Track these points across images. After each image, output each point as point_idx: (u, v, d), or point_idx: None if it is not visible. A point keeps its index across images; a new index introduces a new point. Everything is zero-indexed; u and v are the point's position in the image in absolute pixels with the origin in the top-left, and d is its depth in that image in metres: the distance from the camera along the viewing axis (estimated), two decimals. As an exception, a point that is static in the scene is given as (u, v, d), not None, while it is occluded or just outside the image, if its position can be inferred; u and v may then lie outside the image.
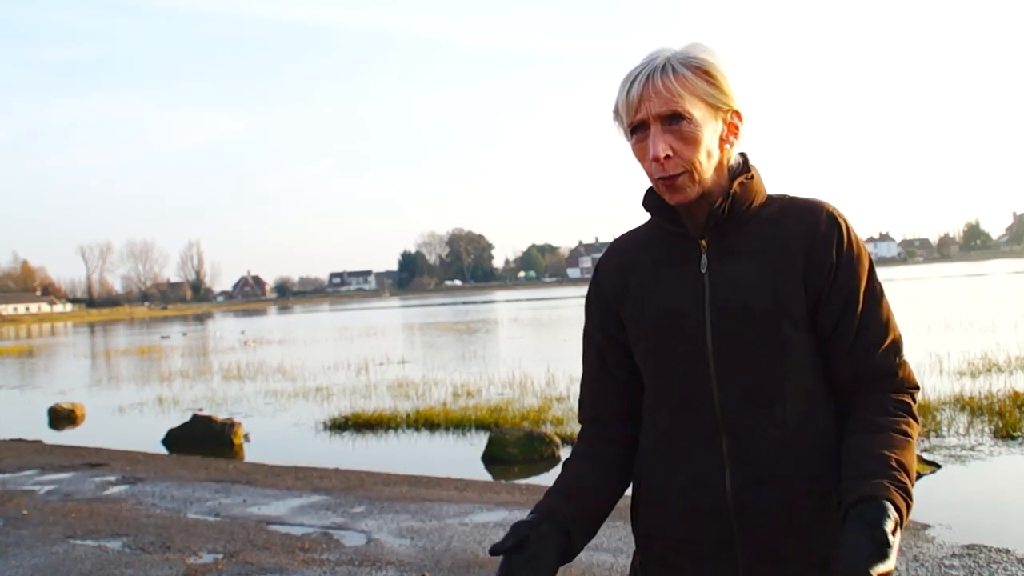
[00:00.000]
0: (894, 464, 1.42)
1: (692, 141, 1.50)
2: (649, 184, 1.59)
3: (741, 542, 1.52)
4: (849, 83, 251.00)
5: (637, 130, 1.53)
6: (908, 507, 1.39)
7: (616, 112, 1.56)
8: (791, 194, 1.62)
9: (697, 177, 1.51)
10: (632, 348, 1.64)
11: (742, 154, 1.61)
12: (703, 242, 1.57)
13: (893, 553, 1.28)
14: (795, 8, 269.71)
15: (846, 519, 1.37)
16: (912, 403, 1.54)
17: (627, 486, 1.70)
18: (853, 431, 1.50)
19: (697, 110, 1.49)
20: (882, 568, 1.26)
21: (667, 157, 1.49)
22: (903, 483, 1.40)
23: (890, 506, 1.34)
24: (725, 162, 1.57)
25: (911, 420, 1.52)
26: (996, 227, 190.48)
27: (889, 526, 1.30)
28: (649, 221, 1.67)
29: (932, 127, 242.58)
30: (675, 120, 1.49)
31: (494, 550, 1.49)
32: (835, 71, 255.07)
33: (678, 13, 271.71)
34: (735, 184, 1.54)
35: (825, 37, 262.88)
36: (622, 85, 1.53)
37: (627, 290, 1.64)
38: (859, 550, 1.29)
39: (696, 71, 1.49)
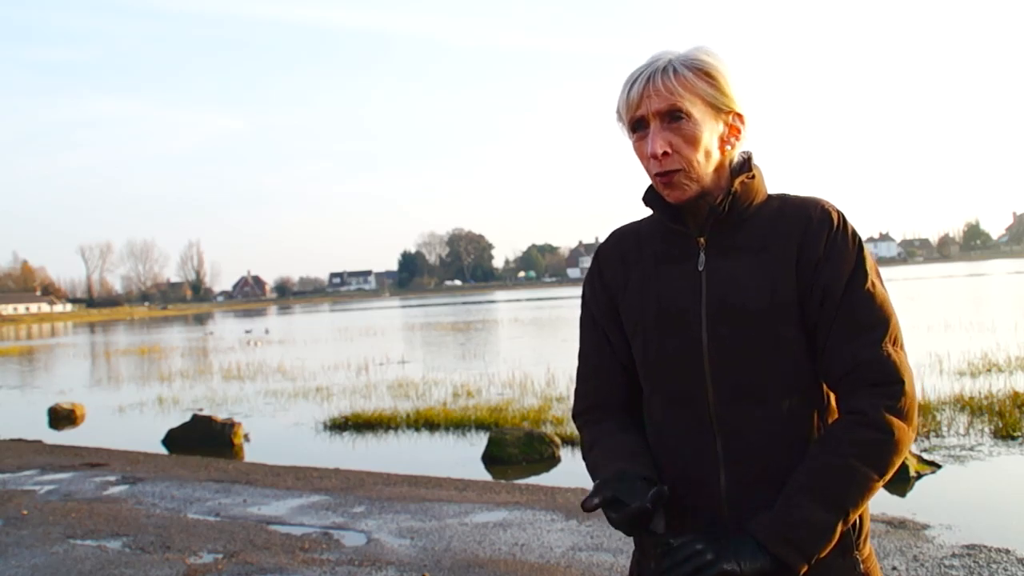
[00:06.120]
0: (807, 513, 1.43)
1: (691, 139, 1.51)
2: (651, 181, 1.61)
3: None
4: (850, 83, 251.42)
5: (637, 128, 1.55)
6: (801, 555, 1.43)
7: (618, 112, 1.58)
8: (790, 193, 1.62)
9: (694, 176, 1.53)
10: (629, 340, 1.65)
11: (745, 153, 1.61)
12: (702, 239, 1.58)
13: None
14: (796, 8, 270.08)
15: (741, 530, 1.46)
16: (895, 402, 1.45)
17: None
18: (812, 449, 1.50)
19: (697, 109, 1.51)
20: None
21: (664, 154, 1.51)
22: (799, 539, 1.43)
23: (762, 556, 1.42)
24: (727, 162, 1.58)
25: (881, 437, 1.45)
26: (996, 227, 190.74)
27: (744, 567, 1.40)
28: (651, 216, 1.68)
29: (932, 127, 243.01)
30: (674, 118, 1.51)
31: (587, 505, 1.45)
32: (836, 71, 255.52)
33: (678, 13, 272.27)
34: (736, 183, 1.55)
35: (826, 37, 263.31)
36: (624, 85, 1.56)
37: (627, 282, 1.65)
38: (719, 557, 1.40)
39: (697, 72, 1.52)
